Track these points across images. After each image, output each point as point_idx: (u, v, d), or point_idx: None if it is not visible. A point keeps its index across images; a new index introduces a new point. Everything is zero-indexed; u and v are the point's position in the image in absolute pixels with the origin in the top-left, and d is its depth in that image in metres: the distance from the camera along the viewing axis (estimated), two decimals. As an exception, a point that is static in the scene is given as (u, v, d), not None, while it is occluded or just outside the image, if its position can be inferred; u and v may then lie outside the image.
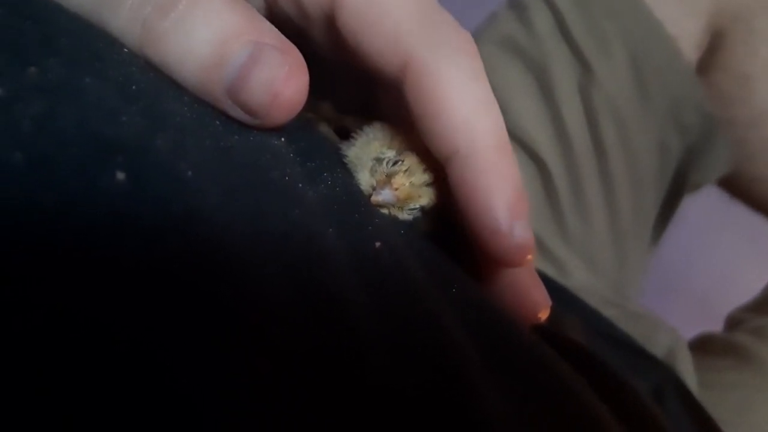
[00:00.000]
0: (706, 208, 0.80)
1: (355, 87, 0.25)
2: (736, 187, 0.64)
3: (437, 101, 0.19)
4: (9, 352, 0.10)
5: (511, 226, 0.19)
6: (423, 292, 0.17)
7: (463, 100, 0.19)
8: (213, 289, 0.12)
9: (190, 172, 0.14)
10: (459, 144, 0.19)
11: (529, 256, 0.19)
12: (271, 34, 0.17)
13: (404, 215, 0.21)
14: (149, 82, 0.16)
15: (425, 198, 0.21)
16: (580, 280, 0.55)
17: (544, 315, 0.22)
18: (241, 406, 0.11)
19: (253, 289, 0.13)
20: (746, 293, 0.66)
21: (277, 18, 0.21)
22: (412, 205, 0.21)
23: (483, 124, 0.19)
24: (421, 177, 0.21)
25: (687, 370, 0.53)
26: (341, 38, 0.20)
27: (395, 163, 0.20)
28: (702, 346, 0.60)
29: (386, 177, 0.20)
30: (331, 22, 0.20)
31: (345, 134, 0.22)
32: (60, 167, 0.12)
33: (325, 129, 0.24)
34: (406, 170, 0.20)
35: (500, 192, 0.19)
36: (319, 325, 0.14)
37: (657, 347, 0.52)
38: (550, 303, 0.22)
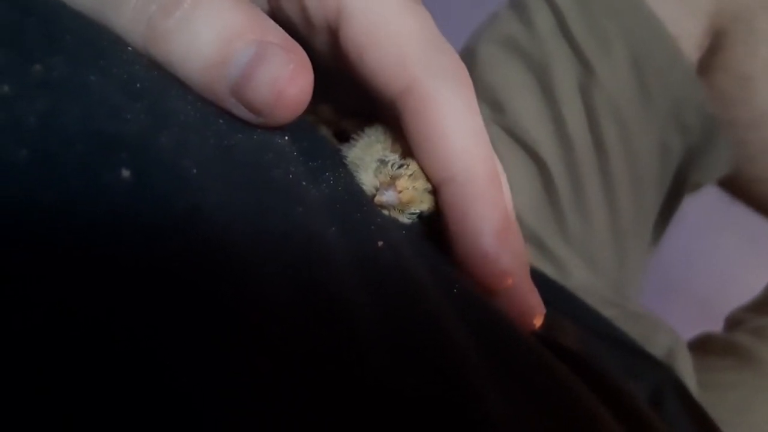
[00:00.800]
0: (707, 208, 0.80)
1: (354, 91, 0.25)
2: (736, 187, 0.64)
3: (438, 128, 0.20)
4: (9, 351, 0.10)
5: (497, 254, 0.20)
6: (424, 293, 0.17)
7: (462, 130, 0.20)
8: (213, 288, 0.12)
9: (193, 170, 0.14)
10: (456, 170, 0.20)
11: (510, 281, 0.20)
12: (275, 33, 0.17)
13: (404, 218, 0.21)
14: (153, 81, 0.16)
15: (426, 203, 0.21)
16: (580, 279, 0.55)
17: (538, 321, 0.22)
18: (240, 406, 0.11)
19: (254, 288, 0.13)
20: (746, 293, 0.66)
21: (279, 22, 0.22)
22: (413, 209, 0.21)
23: (478, 154, 0.20)
24: (423, 183, 0.21)
25: (686, 370, 0.53)
26: (344, 51, 0.20)
27: (400, 167, 0.21)
28: (702, 346, 0.60)
29: (391, 179, 0.21)
30: (334, 33, 0.20)
31: (344, 138, 0.23)
32: (64, 164, 0.12)
33: (324, 131, 0.24)
34: (410, 174, 0.21)
35: (490, 220, 0.20)
36: (319, 325, 0.14)
37: (656, 347, 0.52)
38: (544, 310, 0.22)
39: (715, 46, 0.57)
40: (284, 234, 0.15)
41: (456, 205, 0.20)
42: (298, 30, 0.21)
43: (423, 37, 0.20)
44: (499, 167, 0.22)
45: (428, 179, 0.21)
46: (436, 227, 0.22)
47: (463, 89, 0.20)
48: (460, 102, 0.20)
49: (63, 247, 0.11)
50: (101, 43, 0.16)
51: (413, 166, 0.21)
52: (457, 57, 0.20)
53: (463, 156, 0.20)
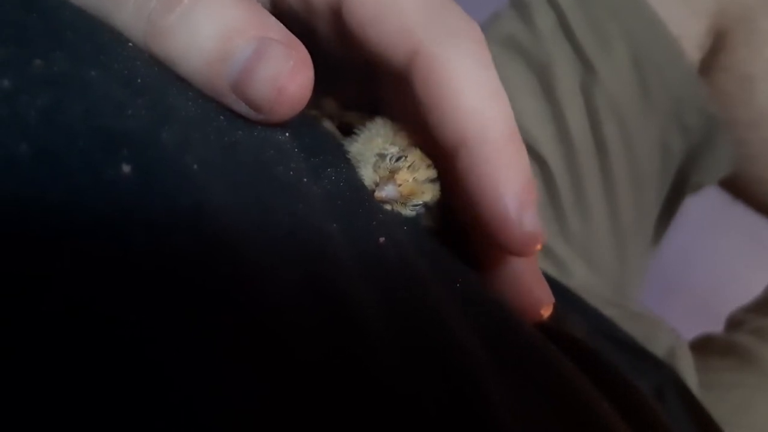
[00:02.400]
0: (708, 208, 0.80)
1: (358, 84, 0.25)
2: (737, 187, 0.64)
3: (446, 90, 0.19)
4: (11, 349, 0.10)
5: (520, 215, 0.19)
6: (427, 289, 0.17)
7: (473, 89, 0.19)
8: (219, 286, 0.12)
9: (195, 166, 0.14)
10: (468, 132, 0.19)
11: (538, 246, 0.19)
12: (276, 29, 0.17)
13: (407, 211, 0.21)
14: (154, 77, 0.16)
15: (428, 194, 0.21)
16: (580, 279, 0.55)
17: (546, 313, 0.22)
18: (245, 405, 0.11)
19: (259, 285, 0.13)
20: (747, 294, 0.65)
21: (282, 13, 0.21)
22: (415, 201, 0.21)
23: (492, 113, 0.19)
24: (424, 173, 0.21)
25: (687, 370, 0.53)
26: (347, 31, 0.20)
27: (398, 159, 0.21)
28: (703, 346, 0.60)
29: (390, 173, 0.20)
30: (336, 14, 0.20)
31: (348, 131, 0.22)
32: (66, 160, 0.12)
33: (327, 125, 0.24)
34: (409, 166, 0.20)
35: (509, 181, 0.19)
36: (326, 322, 0.14)
37: (657, 347, 0.52)
38: (553, 301, 0.22)
39: (717, 46, 0.57)
40: (288, 231, 0.15)
41: (472, 170, 0.19)
42: (301, 20, 0.21)
43: (425, 1, 0.19)
44: None
45: (430, 166, 0.21)
46: (440, 216, 0.22)
47: (473, 48, 0.19)
48: (469, 59, 0.19)
49: (68, 242, 0.11)
50: (102, 39, 0.16)
51: (412, 156, 0.21)
52: (465, 16, 0.20)
53: (475, 116, 0.19)
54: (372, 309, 0.15)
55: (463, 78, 0.19)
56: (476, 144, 0.19)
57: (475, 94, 0.19)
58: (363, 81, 0.22)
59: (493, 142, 0.19)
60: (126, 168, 0.13)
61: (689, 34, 0.56)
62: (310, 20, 0.21)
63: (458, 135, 0.19)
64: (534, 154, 0.56)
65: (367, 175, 0.21)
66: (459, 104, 0.19)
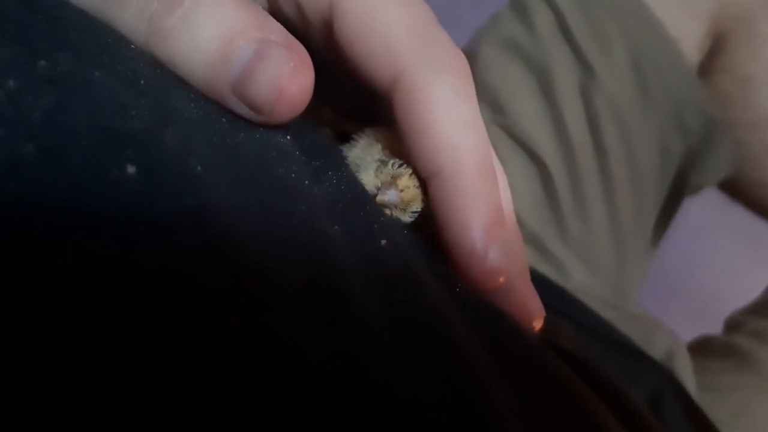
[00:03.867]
0: (707, 210, 0.80)
1: (355, 92, 0.25)
2: (736, 189, 0.64)
3: (423, 119, 0.19)
4: (12, 348, 0.10)
5: (485, 250, 0.19)
6: (428, 292, 0.17)
7: (449, 120, 0.19)
8: (221, 286, 0.12)
9: (199, 168, 0.14)
10: (441, 163, 0.19)
11: (501, 280, 0.19)
12: (276, 31, 0.17)
13: (406, 217, 0.21)
14: (156, 78, 0.16)
15: (427, 202, 0.21)
16: (579, 281, 0.55)
17: (538, 324, 0.22)
18: (249, 407, 0.11)
19: (262, 287, 0.13)
20: (746, 296, 0.66)
21: (279, 20, 0.22)
22: (414, 208, 0.21)
23: (467, 145, 0.19)
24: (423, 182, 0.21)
25: (686, 372, 0.53)
26: (337, 46, 0.20)
27: (401, 165, 0.21)
28: (701, 348, 0.60)
29: (392, 178, 0.20)
30: (328, 29, 0.20)
31: (345, 139, 0.23)
32: (71, 160, 0.12)
33: (325, 132, 0.24)
34: (411, 173, 0.21)
35: (478, 214, 0.19)
36: (328, 324, 0.14)
37: (655, 349, 0.52)
38: (544, 312, 0.22)
39: (716, 48, 0.57)
40: (290, 232, 0.15)
41: (443, 200, 0.19)
42: (295, 28, 0.21)
43: (413, 28, 0.19)
44: (498, 164, 0.22)
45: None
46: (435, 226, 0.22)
47: (453, 78, 0.19)
48: (448, 91, 0.19)
49: (70, 242, 0.11)
50: (105, 41, 0.16)
51: (413, 165, 0.21)
52: (451, 46, 0.20)
53: (450, 147, 0.19)
54: (373, 311, 0.15)
55: (440, 108, 0.19)
56: (449, 175, 0.19)
57: (450, 126, 0.19)
58: (360, 90, 0.22)
59: (465, 175, 0.19)
60: (131, 168, 0.13)
61: (688, 35, 0.56)
62: (304, 31, 0.21)
63: (433, 164, 0.19)
64: (533, 156, 0.56)
65: (368, 179, 0.21)
66: (434, 134, 0.19)
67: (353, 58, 0.20)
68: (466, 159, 0.19)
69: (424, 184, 0.21)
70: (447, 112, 0.19)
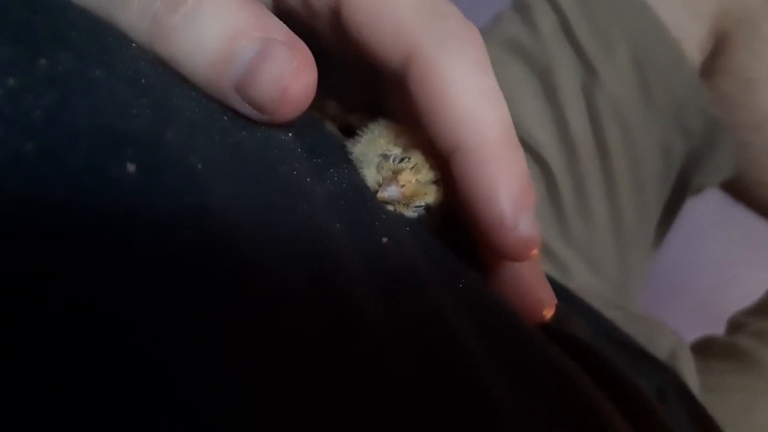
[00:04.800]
0: (709, 211, 0.80)
1: (360, 85, 0.25)
2: (738, 190, 0.64)
3: (440, 93, 0.19)
4: (12, 348, 0.10)
5: (515, 219, 0.18)
6: (430, 289, 0.17)
7: (467, 92, 0.19)
8: (222, 285, 0.12)
9: (200, 166, 0.14)
10: (463, 136, 0.19)
11: (535, 251, 0.19)
12: (279, 30, 0.17)
13: (410, 212, 0.21)
14: (158, 77, 0.16)
15: (431, 196, 0.21)
16: (582, 282, 0.55)
17: (549, 313, 0.21)
18: (251, 406, 0.11)
19: (264, 285, 0.13)
20: (748, 296, 0.66)
21: (284, 14, 0.21)
22: (417, 203, 0.21)
23: (487, 116, 0.19)
24: (426, 174, 0.21)
25: (689, 372, 0.53)
26: (346, 32, 0.20)
27: (402, 160, 0.20)
28: (704, 349, 0.60)
29: (393, 174, 0.20)
30: (336, 16, 0.20)
31: (350, 132, 0.22)
32: (71, 159, 0.12)
33: (330, 127, 0.24)
34: (412, 167, 0.20)
35: (504, 184, 0.18)
36: (330, 322, 0.14)
37: (659, 350, 0.52)
38: (555, 301, 0.22)
39: (718, 49, 0.57)
40: (292, 230, 0.15)
41: (467, 173, 0.19)
42: (303, 22, 0.21)
43: (422, 4, 0.19)
44: None
45: (433, 168, 0.21)
46: (442, 218, 0.22)
47: (469, 50, 0.19)
48: (464, 63, 0.19)
49: (71, 242, 0.11)
50: (106, 39, 0.16)
51: (415, 158, 0.21)
52: (461, 18, 0.19)
53: (470, 120, 0.18)
54: (375, 309, 0.15)
55: (457, 81, 0.18)
56: (471, 148, 0.19)
57: (469, 98, 0.19)
58: (365, 82, 0.22)
59: (488, 146, 0.18)
60: (131, 167, 0.13)
61: (690, 36, 0.56)
62: (311, 22, 0.21)
63: (453, 139, 0.19)
64: (535, 156, 0.56)
65: (370, 175, 0.21)
66: (453, 108, 0.19)
67: (363, 42, 0.20)
68: (489, 129, 0.19)
69: (429, 176, 0.21)
70: (465, 84, 0.19)
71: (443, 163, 0.20)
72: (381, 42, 0.19)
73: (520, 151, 0.19)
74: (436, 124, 0.19)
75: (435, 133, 0.19)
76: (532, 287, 0.21)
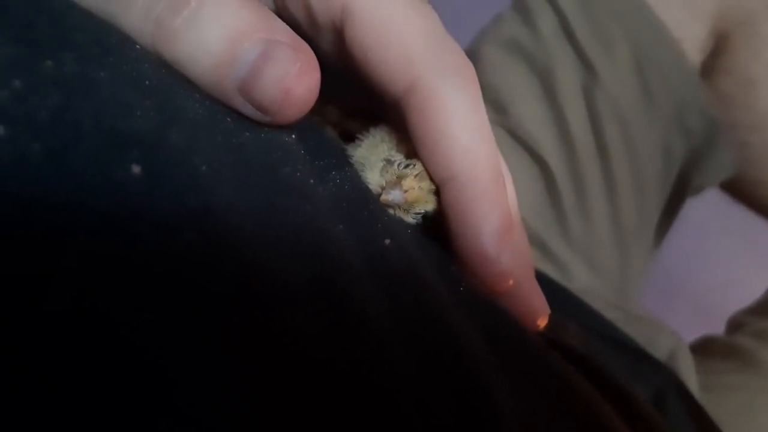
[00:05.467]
0: (709, 211, 0.80)
1: (360, 91, 0.25)
2: (738, 190, 0.64)
3: (441, 127, 0.19)
4: (14, 348, 0.10)
5: (498, 254, 0.19)
6: (432, 291, 0.17)
7: (466, 129, 0.19)
8: (225, 287, 0.12)
9: (203, 167, 0.14)
10: (458, 170, 0.19)
11: (510, 282, 0.20)
12: (282, 31, 0.17)
13: (409, 218, 0.21)
14: (161, 78, 0.16)
15: (431, 204, 0.21)
16: (582, 282, 0.55)
17: (542, 323, 0.22)
18: (252, 407, 0.11)
19: (266, 287, 0.13)
20: (748, 296, 0.66)
21: (285, 22, 0.22)
22: (418, 209, 0.21)
23: (481, 154, 0.20)
24: (429, 183, 0.21)
25: (688, 372, 0.53)
26: (349, 51, 0.20)
27: (407, 166, 0.21)
28: (704, 349, 0.60)
29: (397, 178, 0.21)
30: (339, 32, 0.20)
31: (349, 139, 0.23)
32: (76, 159, 0.12)
33: (330, 133, 0.24)
34: (416, 174, 0.21)
35: (491, 221, 0.19)
36: (333, 324, 0.14)
37: (658, 350, 0.52)
38: (548, 311, 0.22)
39: (719, 49, 0.57)
40: (294, 232, 0.15)
41: (457, 205, 0.20)
42: (303, 30, 0.21)
43: (428, 36, 0.19)
44: (504, 167, 0.22)
45: (432, 179, 0.21)
46: (439, 228, 0.22)
47: (467, 87, 0.20)
48: (464, 100, 0.19)
49: (73, 242, 0.11)
50: (110, 41, 0.16)
51: (419, 166, 0.21)
52: (463, 55, 0.20)
53: (465, 155, 0.19)
54: (377, 311, 0.15)
55: (457, 117, 0.19)
56: (466, 181, 0.20)
57: (467, 134, 0.19)
58: (365, 90, 0.22)
59: (480, 182, 0.19)
60: (135, 168, 0.13)
61: (691, 36, 0.56)
62: (313, 34, 0.21)
63: (449, 170, 0.20)
64: (536, 157, 0.56)
65: (373, 179, 0.21)
66: (452, 142, 0.19)
67: (366, 64, 0.20)
68: (481, 166, 0.19)
69: (430, 186, 0.21)
70: (463, 121, 0.19)
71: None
72: (385, 66, 0.20)
73: (505, 188, 0.20)
74: (433, 152, 0.20)
75: (430, 162, 0.20)
76: (526, 296, 0.21)
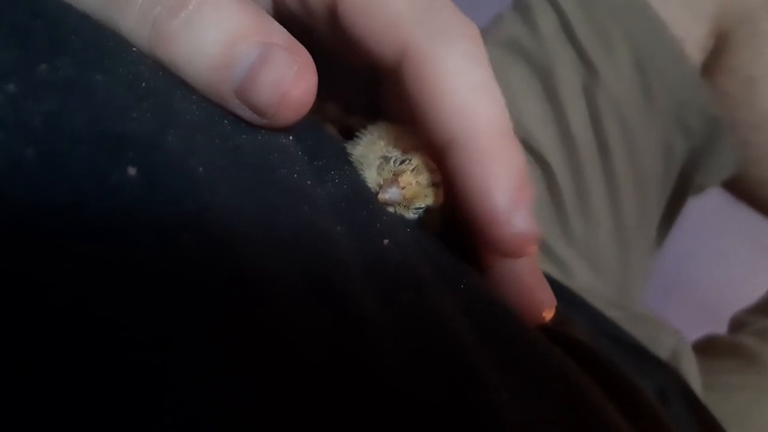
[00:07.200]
0: (711, 210, 0.80)
1: (359, 88, 0.25)
2: (740, 189, 0.64)
3: (434, 87, 0.18)
4: (12, 351, 0.10)
5: (510, 214, 0.18)
6: (431, 291, 0.17)
7: (461, 86, 0.18)
8: (223, 288, 0.12)
9: (200, 170, 0.14)
10: (455, 129, 0.18)
11: (532, 247, 0.19)
12: (279, 34, 0.17)
13: (410, 214, 0.21)
14: (158, 81, 0.16)
15: (431, 198, 0.21)
16: (583, 281, 0.55)
17: (548, 315, 0.21)
18: (250, 408, 0.11)
19: (264, 288, 0.13)
20: (750, 295, 0.66)
21: (283, 16, 0.21)
22: (418, 205, 0.21)
23: (481, 110, 0.18)
24: (427, 177, 0.21)
25: (691, 371, 0.53)
26: (342, 30, 0.20)
27: (402, 162, 0.21)
28: (706, 348, 0.60)
29: (394, 175, 0.20)
30: (333, 14, 0.20)
31: (349, 135, 0.23)
32: (71, 163, 0.12)
33: (329, 130, 0.24)
34: (413, 169, 0.20)
35: (499, 179, 0.18)
36: (331, 324, 0.14)
37: (661, 349, 0.52)
38: (555, 303, 0.22)
39: (719, 48, 0.57)
40: (292, 233, 0.15)
41: (461, 168, 0.19)
42: (300, 21, 0.21)
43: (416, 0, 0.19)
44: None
45: (432, 170, 0.21)
46: (441, 222, 0.22)
47: (462, 42, 0.19)
48: (458, 56, 0.18)
49: (71, 246, 0.11)
50: (107, 44, 0.16)
51: (416, 160, 0.21)
52: (456, 12, 0.19)
53: (463, 112, 0.18)
54: (376, 310, 0.15)
55: (451, 74, 0.18)
56: (465, 142, 0.18)
57: (463, 91, 0.18)
58: (364, 84, 0.22)
59: (483, 140, 0.18)
60: (131, 171, 0.13)
61: (691, 35, 0.56)
62: (309, 22, 0.21)
63: (446, 133, 0.19)
64: (536, 156, 0.56)
65: (371, 177, 0.21)
66: (446, 101, 0.18)
67: (358, 39, 0.20)
68: (482, 122, 0.18)
69: (428, 179, 0.21)
70: (458, 78, 0.18)
71: (442, 164, 0.20)
72: (375, 37, 0.19)
73: (517, 145, 0.19)
74: (430, 118, 0.19)
75: (429, 128, 0.19)
76: (532, 289, 0.21)
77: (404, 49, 0.19)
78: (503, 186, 0.18)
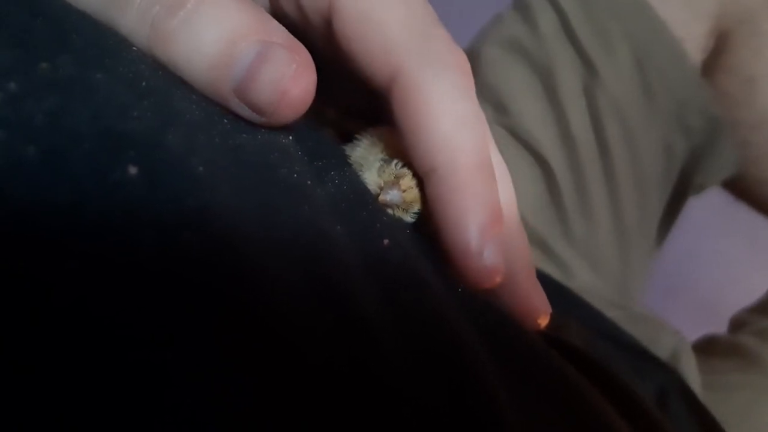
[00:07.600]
0: (711, 209, 0.80)
1: (358, 92, 0.25)
2: (740, 189, 0.64)
3: (419, 116, 0.19)
4: (13, 351, 0.10)
5: (481, 248, 0.19)
6: (431, 291, 0.17)
7: (446, 117, 0.19)
8: (224, 287, 0.12)
9: (201, 168, 0.14)
10: (437, 161, 0.19)
11: (498, 279, 0.19)
12: (279, 33, 0.17)
13: (408, 218, 0.21)
14: (158, 80, 0.16)
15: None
16: (583, 281, 0.55)
17: (543, 322, 0.22)
18: (251, 408, 0.11)
19: (265, 287, 0.13)
20: (750, 295, 0.65)
21: (280, 20, 0.22)
22: (416, 209, 0.21)
23: (462, 143, 0.19)
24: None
25: (691, 371, 0.53)
26: (337, 45, 0.20)
27: (404, 165, 0.21)
28: (706, 347, 0.60)
29: (395, 178, 0.20)
30: (328, 26, 0.20)
31: (349, 139, 0.23)
32: (73, 162, 0.12)
33: (329, 133, 0.24)
34: (414, 174, 0.21)
35: (473, 212, 0.19)
36: (332, 324, 0.14)
37: (661, 349, 0.52)
38: (550, 309, 0.22)
39: (719, 47, 0.57)
40: (293, 233, 0.15)
41: (439, 198, 0.19)
42: (297, 27, 0.21)
43: (410, 25, 0.19)
44: (499, 160, 0.21)
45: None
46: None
47: (453, 75, 0.19)
48: (445, 88, 0.19)
49: (72, 245, 0.11)
50: (107, 43, 0.16)
51: None
52: (450, 43, 0.20)
53: (445, 145, 0.19)
54: (376, 310, 0.15)
55: (437, 105, 0.19)
56: (446, 172, 0.19)
57: (447, 123, 0.19)
58: (363, 90, 0.22)
59: (462, 173, 0.19)
60: (132, 170, 0.13)
61: (691, 35, 0.56)
62: (305, 29, 0.21)
63: (428, 162, 0.19)
64: (537, 156, 0.56)
65: (371, 178, 0.21)
66: (430, 132, 0.19)
67: (352, 57, 0.20)
68: (462, 157, 0.19)
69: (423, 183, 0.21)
70: (443, 109, 0.19)
71: (424, 187, 0.20)
72: (368, 58, 0.19)
73: (493, 179, 0.19)
74: (415, 143, 0.19)
75: (412, 153, 0.20)
76: (527, 295, 0.21)
77: (395, 74, 0.19)
78: (477, 220, 0.19)
